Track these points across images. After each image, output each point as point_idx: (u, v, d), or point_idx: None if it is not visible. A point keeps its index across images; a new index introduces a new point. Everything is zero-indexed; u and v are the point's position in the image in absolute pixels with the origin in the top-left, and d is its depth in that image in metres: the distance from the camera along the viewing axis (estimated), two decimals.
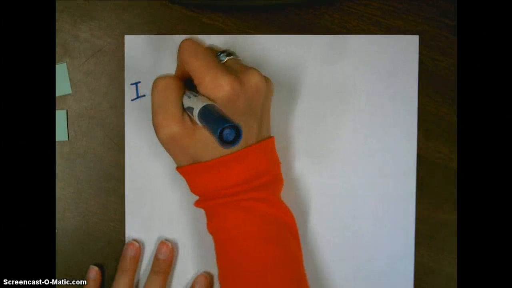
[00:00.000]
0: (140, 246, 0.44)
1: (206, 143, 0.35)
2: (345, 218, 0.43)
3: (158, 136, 0.36)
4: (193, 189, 0.38)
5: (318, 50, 0.43)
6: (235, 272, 0.37)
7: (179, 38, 0.43)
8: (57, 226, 0.44)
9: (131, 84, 0.44)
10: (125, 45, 0.44)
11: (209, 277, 0.43)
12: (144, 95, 0.44)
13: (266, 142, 0.37)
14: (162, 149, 0.44)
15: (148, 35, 0.43)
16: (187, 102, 0.35)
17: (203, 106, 0.32)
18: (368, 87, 0.43)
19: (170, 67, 0.43)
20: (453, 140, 0.43)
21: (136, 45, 0.43)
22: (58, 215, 0.44)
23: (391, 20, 0.43)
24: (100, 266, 0.44)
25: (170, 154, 0.37)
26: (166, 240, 0.44)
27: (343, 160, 0.43)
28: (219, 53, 0.38)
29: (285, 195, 0.40)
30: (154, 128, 0.36)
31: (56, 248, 0.44)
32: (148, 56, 0.43)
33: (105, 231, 0.44)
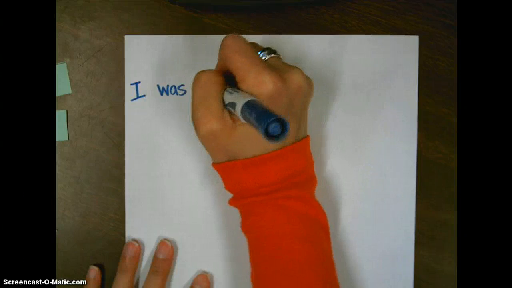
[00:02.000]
0: (140, 246, 0.44)
1: (245, 140, 0.34)
2: (345, 218, 0.43)
3: (197, 132, 0.35)
4: (228, 186, 0.38)
5: (318, 50, 0.43)
6: (269, 270, 0.36)
7: (179, 38, 0.43)
8: (57, 226, 0.44)
9: (131, 84, 0.44)
10: (125, 45, 0.44)
11: (208, 277, 0.43)
12: (144, 95, 0.44)
13: (303, 141, 0.37)
14: (161, 148, 0.44)
15: (148, 35, 0.43)
16: (229, 98, 0.34)
17: (247, 101, 0.31)
18: (368, 87, 0.43)
19: (170, 67, 0.43)
20: (453, 140, 0.43)
21: (136, 45, 0.43)
22: (58, 215, 0.44)
23: (391, 20, 0.43)
24: (100, 266, 0.44)
25: (208, 150, 0.37)
26: (166, 239, 0.44)
27: (342, 160, 0.43)
28: (260, 51, 0.37)
29: None
30: (194, 123, 0.35)
31: (56, 248, 0.44)
32: (148, 56, 0.43)
33: (105, 231, 0.44)
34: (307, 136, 0.38)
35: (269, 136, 0.29)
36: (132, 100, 0.44)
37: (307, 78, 0.36)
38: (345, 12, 0.43)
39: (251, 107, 0.31)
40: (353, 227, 0.43)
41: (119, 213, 0.44)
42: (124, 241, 0.44)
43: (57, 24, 0.44)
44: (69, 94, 0.44)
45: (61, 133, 0.44)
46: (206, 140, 0.35)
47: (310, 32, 0.43)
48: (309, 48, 0.43)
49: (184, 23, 0.44)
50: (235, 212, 0.44)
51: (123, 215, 0.44)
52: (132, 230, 0.44)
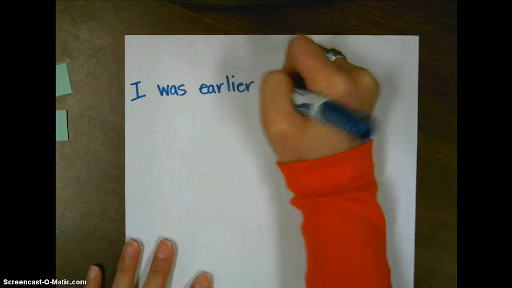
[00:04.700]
0: (139, 246, 0.44)
1: (314, 142, 0.34)
2: None
3: (267, 133, 0.35)
4: (291, 186, 0.37)
5: None
6: (328, 272, 0.36)
7: (179, 38, 0.43)
8: (57, 226, 0.44)
9: (131, 84, 0.44)
10: (125, 45, 0.44)
11: (208, 277, 0.43)
12: (144, 95, 0.44)
13: (368, 144, 0.37)
14: (161, 148, 0.44)
15: (148, 35, 0.43)
16: (300, 99, 0.34)
17: (326, 101, 0.31)
18: None
19: (170, 67, 0.43)
20: (453, 140, 0.43)
21: (136, 45, 0.43)
22: (58, 215, 0.44)
23: (391, 20, 0.43)
24: (100, 266, 0.44)
25: (276, 150, 0.37)
26: (166, 239, 0.44)
27: None
28: (327, 52, 0.37)
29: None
30: (263, 123, 0.35)
31: (56, 248, 0.44)
32: (148, 56, 0.43)
33: (105, 231, 0.44)
34: (370, 139, 0.37)
35: (357, 135, 0.29)
36: (132, 100, 0.44)
37: (375, 80, 0.36)
38: (345, 12, 0.43)
39: (331, 108, 0.31)
40: None
41: (119, 213, 0.44)
42: (124, 241, 0.44)
43: (57, 24, 0.44)
44: (69, 94, 0.44)
45: (61, 133, 0.44)
46: (277, 141, 0.35)
47: (310, 32, 0.43)
48: None
49: (184, 23, 0.44)
50: (235, 212, 0.44)
51: (123, 215, 0.44)
52: (132, 230, 0.44)
